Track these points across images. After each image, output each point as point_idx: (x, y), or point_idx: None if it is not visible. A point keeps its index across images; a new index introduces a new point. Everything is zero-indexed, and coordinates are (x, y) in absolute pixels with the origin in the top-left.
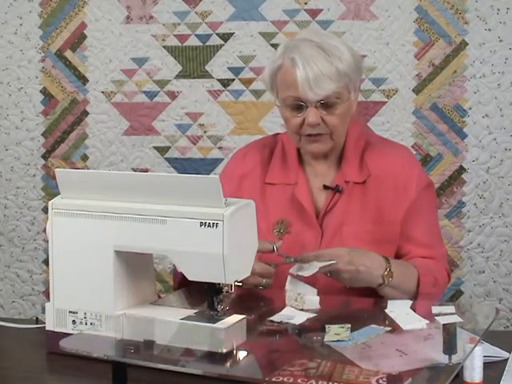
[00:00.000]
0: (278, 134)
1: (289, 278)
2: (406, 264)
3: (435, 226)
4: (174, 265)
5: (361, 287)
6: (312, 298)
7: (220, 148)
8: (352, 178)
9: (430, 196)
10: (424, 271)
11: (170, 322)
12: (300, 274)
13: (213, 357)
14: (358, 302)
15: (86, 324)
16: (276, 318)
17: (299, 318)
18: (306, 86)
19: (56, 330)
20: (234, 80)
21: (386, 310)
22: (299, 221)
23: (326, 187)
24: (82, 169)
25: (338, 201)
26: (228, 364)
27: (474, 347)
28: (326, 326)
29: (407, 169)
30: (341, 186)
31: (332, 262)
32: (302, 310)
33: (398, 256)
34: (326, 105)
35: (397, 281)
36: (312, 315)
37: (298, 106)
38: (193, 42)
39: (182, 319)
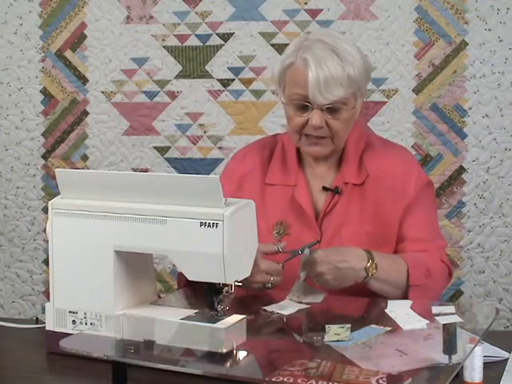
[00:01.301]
0: (277, 134)
1: (297, 281)
2: (392, 256)
3: (433, 222)
4: (173, 264)
5: (355, 287)
6: (317, 295)
7: (220, 148)
8: (351, 180)
9: (429, 194)
10: (414, 263)
11: (170, 322)
12: (291, 298)
13: (213, 357)
14: (358, 302)
15: (86, 324)
16: (269, 307)
17: (290, 309)
18: (315, 89)
19: (56, 330)
20: (234, 80)
21: (385, 310)
22: (299, 222)
23: (325, 189)
24: (82, 169)
25: (338, 202)
26: (228, 364)
27: (474, 347)
28: (326, 326)
29: (406, 169)
30: (340, 188)
31: (319, 300)
32: (299, 302)
33: (395, 253)
34: (331, 109)
35: (383, 273)
36: (304, 307)
37: (304, 106)
38: (193, 42)
39: (182, 319)
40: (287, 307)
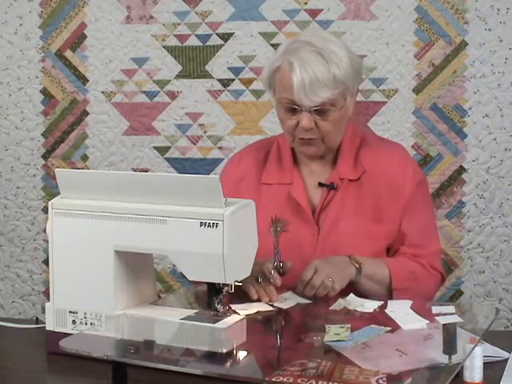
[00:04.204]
0: (273, 136)
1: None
2: (373, 257)
3: (429, 223)
4: (173, 264)
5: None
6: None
7: (220, 148)
8: (346, 175)
9: (424, 192)
10: (396, 267)
11: (170, 322)
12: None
13: (213, 357)
14: None
15: (85, 324)
16: (234, 306)
17: (249, 310)
18: (301, 92)
19: (56, 330)
20: (234, 80)
21: (385, 310)
22: (296, 219)
23: (320, 185)
24: (82, 169)
25: (334, 198)
26: (228, 364)
27: (474, 347)
28: (326, 326)
29: (402, 165)
30: (336, 183)
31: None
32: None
33: (391, 254)
34: (319, 111)
35: (369, 267)
36: (268, 309)
37: (293, 108)
38: (193, 42)
39: (181, 319)
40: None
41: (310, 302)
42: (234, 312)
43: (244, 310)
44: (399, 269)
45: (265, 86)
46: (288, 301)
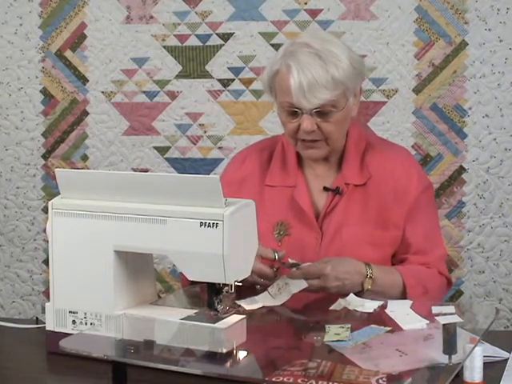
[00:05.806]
0: (277, 135)
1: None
2: (391, 271)
3: (433, 229)
4: (173, 264)
5: None
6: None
7: (220, 148)
8: (352, 180)
9: (429, 198)
10: (412, 283)
11: (170, 322)
12: (275, 297)
13: (213, 357)
14: None
15: (85, 324)
16: (241, 301)
17: (255, 305)
18: (299, 95)
19: (56, 330)
20: (234, 80)
21: (385, 310)
22: (299, 223)
23: (326, 189)
24: (82, 169)
25: (338, 203)
26: (228, 364)
27: (474, 347)
28: (326, 326)
29: (406, 168)
30: (341, 188)
31: (303, 287)
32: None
33: (395, 260)
34: (320, 113)
35: (378, 288)
36: (274, 304)
37: (294, 112)
38: (193, 42)
39: (182, 319)
40: (255, 303)
41: (275, 304)
42: (239, 306)
43: (249, 305)
44: (414, 284)
45: (265, 90)
46: (255, 304)
